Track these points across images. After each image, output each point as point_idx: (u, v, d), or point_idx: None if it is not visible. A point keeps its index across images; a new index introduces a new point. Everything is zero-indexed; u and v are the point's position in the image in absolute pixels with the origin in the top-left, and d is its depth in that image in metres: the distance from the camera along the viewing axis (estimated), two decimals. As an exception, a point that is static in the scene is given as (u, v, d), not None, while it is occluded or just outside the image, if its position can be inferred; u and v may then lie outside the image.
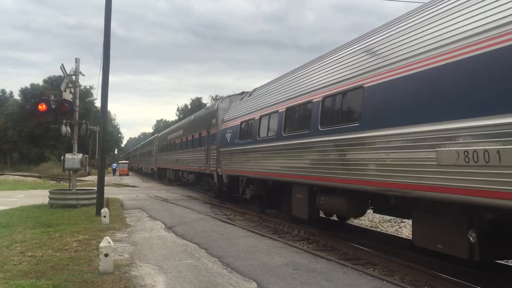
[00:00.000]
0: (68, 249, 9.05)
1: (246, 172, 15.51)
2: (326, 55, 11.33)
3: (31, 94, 72.32)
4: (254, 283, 6.72)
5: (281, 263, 8.04)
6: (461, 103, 6.02)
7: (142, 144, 67.27)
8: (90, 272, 7.17)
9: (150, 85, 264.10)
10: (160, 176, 42.68)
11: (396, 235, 12.32)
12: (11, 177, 46.62)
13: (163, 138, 40.50)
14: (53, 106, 16.33)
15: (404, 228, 13.43)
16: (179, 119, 77.03)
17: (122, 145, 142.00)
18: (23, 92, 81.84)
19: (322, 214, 12.55)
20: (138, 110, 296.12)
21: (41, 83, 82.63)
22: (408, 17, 8.05)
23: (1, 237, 10.42)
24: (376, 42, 8.62)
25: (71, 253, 8.65)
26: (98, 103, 50.06)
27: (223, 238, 10.54)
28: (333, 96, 9.70)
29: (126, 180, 46.66)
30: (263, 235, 11.13)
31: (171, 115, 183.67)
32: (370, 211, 11.80)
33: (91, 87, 76.82)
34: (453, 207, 6.53)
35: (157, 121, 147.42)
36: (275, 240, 10.54)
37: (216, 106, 21.29)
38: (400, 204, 8.00)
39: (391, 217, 15.28)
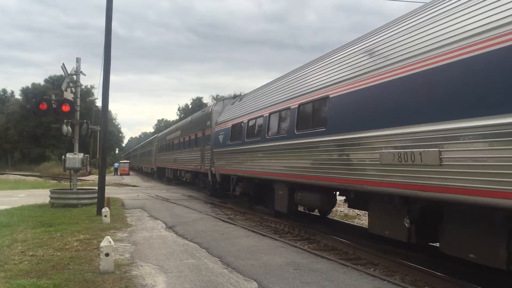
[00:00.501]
0: (69, 248, 9.06)
1: (236, 171, 16.83)
2: (302, 68, 12.80)
3: (32, 94, 72.60)
4: (255, 283, 6.72)
5: (282, 263, 8.04)
6: (394, 115, 7.43)
7: (142, 144, 68.25)
8: (91, 272, 7.18)
9: (152, 85, 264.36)
10: (160, 175, 43.49)
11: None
12: (12, 177, 46.67)
13: (162, 139, 41.62)
14: (54, 106, 16.35)
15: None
16: (180, 119, 77.64)
17: (123, 145, 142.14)
18: (24, 91, 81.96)
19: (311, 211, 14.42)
20: (139, 109, 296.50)
21: (42, 82, 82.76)
22: (359, 40, 9.73)
23: (2, 236, 10.44)
24: (338, 59, 10.07)
25: (72, 253, 8.66)
26: (99, 103, 50.03)
27: (223, 238, 10.55)
28: (307, 104, 11.08)
29: (127, 179, 46.69)
30: (263, 235, 11.14)
31: (172, 115, 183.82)
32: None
33: (92, 87, 76.96)
34: (394, 199, 7.97)
35: (158, 120, 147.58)
36: (276, 240, 10.54)
37: (210, 109, 22.77)
38: (359, 198, 9.64)
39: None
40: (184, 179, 30.84)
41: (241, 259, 8.29)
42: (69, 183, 19.77)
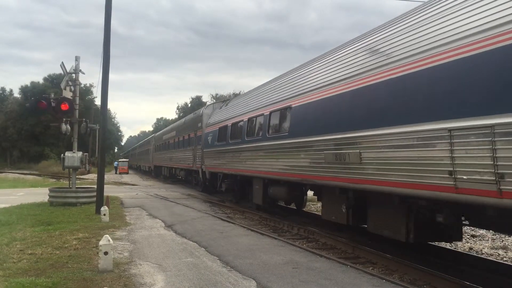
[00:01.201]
0: (68, 247, 9.06)
1: (222, 169, 18.81)
2: (273, 80, 15.37)
3: (31, 92, 72.60)
4: (254, 281, 6.72)
5: (281, 261, 8.05)
6: (333, 124, 9.45)
7: (141, 143, 69.43)
8: (90, 270, 7.18)
9: (151, 84, 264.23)
10: (157, 173, 45.00)
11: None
12: (11, 175, 46.63)
13: (159, 138, 43.21)
14: (53, 104, 16.32)
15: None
16: (179, 118, 78.06)
17: (122, 144, 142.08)
18: (23, 90, 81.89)
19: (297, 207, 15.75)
20: (139, 108, 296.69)
21: (41, 81, 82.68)
22: (314, 61, 11.92)
23: (1, 234, 10.43)
24: (299, 75, 12.31)
25: (71, 251, 8.65)
26: (98, 101, 50.03)
27: (222, 237, 10.55)
28: (276, 111, 13.00)
29: (126, 178, 46.69)
30: (262, 234, 11.14)
31: (172, 114, 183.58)
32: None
33: (91, 85, 76.93)
34: (335, 190, 9.98)
35: (157, 119, 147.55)
36: (275, 238, 10.55)
37: (201, 112, 24.79)
38: (315, 190, 12.02)
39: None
40: (179, 177, 32.21)
41: (240, 258, 8.30)
42: (68, 182, 19.76)
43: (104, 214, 12.73)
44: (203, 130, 22.73)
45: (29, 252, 8.54)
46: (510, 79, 5.38)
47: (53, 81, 75.86)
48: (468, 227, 12.89)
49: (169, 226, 12.22)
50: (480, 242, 11.21)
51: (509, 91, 5.37)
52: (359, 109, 8.48)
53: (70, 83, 17.31)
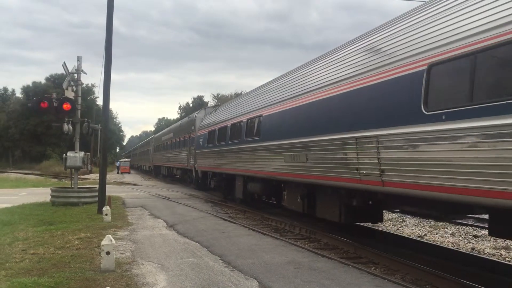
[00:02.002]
0: (70, 247, 9.07)
1: (211, 168, 21.11)
2: (250, 92, 18.73)
3: (33, 92, 72.68)
4: (256, 281, 6.73)
5: (283, 261, 8.04)
6: (290, 131, 11.74)
7: (141, 144, 71.33)
8: (92, 270, 7.19)
9: (153, 83, 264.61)
10: (156, 172, 47.09)
11: (397, 233, 12.32)
12: (13, 175, 46.71)
13: (158, 139, 45.47)
14: (55, 104, 16.35)
15: (405, 227, 13.43)
16: (181, 117, 78.28)
17: (124, 143, 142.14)
18: (25, 90, 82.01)
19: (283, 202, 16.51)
20: (140, 108, 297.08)
21: (43, 81, 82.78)
22: (280, 78, 14.51)
23: (3, 234, 10.46)
24: (268, 89, 14.92)
25: (73, 251, 8.67)
26: (100, 101, 50.09)
27: (224, 237, 10.56)
28: (251, 119, 15.30)
29: (127, 178, 46.73)
30: (264, 234, 11.14)
31: (173, 113, 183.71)
32: None
33: (93, 85, 77.01)
34: (292, 184, 12.54)
35: (159, 119, 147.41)
36: (277, 238, 10.55)
37: (194, 116, 27.08)
38: (279, 184, 14.16)
39: (392, 216, 15.32)
40: (177, 176, 34.11)
41: (241, 257, 8.30)
42: (70, 182, 19.78)
43: (106, 214, 12.74)
44: (196, 133, 24.87)
45: (32, 252, 8.56)
46: (381, 105, 7.91)
47: (55, 81, 75.97)
48: (470, 228, 12.89)
49: (171, 226, 12.23)
50: (482, 243, 11.19)
51: (382, 113, 7.85)
52: (305, 120, 10.94)
53: (72, 83, 17.34)
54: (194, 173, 25.64)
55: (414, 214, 11.61)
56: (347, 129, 8.86)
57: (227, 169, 18.13)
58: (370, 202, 9.52)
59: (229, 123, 18.02)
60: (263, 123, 13.94)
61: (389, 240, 10.73)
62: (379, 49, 8.46)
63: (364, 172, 8.25)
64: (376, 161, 7.86)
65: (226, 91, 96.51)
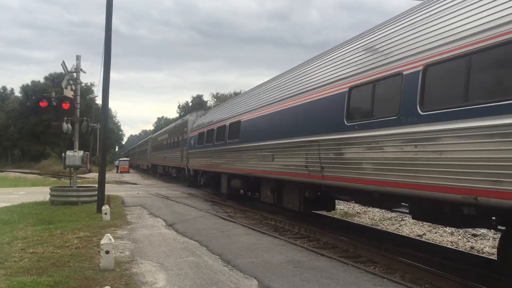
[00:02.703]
0: (69, 246, 9.07)
1: (200, 167, 23.24)
2: (232, 99, 22.62)
3: (32, 91, 72.46)
4: (255, 280, 6.73)
5: (282, 260, 8.05)
6: (262, 135, 13.64)
7: (140, 143, 72.69)
8: (91, 269, 7.18)
9: (153, 83, 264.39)
10: (153, 171, 49.07)
11: (397, 233, 12.33)
12: (12, 174, 46.65)
13: (155, 139, 47.38)
14: (54, 103, 16.33)
15: (404, 226, 13.44)
16: (180, 117, 78.67)
17: (123, 143, 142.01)
18: (24, 89, 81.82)
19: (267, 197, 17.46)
20: (140, 107, 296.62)
21: (42, 80, 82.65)
22: (257, 88, 17.11)
23: (2, 233, 10.45)
24: (246, 99, 17.36)
25: (72, 250, 8.66)
26: (99, 100, 50.08)
27: (224, 236, 10.56)
28: (232, 123, 17.33)
29: (126, 177, 46.69)
30: (263, 233, 11.14)
31: (173, 113, 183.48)
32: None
33: (92, 84, 76.89)
34: (264, 179, 14.38)
35: (158, 118, 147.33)
36: (276, 237, 10.55)
37: (186, 119, 29.68)
38: (257, 181, 15.39)
39: (391, 215, 15.34)
40: (173, 174, 36.20)
41: (241, 256, 8.30)
42: (69, 181, 19.77)
43: (105, 213, 12.74)
44: (188, 134, 27.05)
45: (31, 251, 8.55)
46: (320, 116, 10.02)
47: (54, 80, 75.82)
48: (471, 229, 12.89)
49: (170, 225, 12.23)
50: (481, 241, 11.20)
51: (321, 123, 9.92)
52: (271, 126, 13.12)
53: (71, 82, 17.32)
54: (187, 172, 27.75)
55: (348, 201, 13.96)
56: (300, 134, 10.96)
57: (214, 168, 20.12)
58: (319, 193, 11.60)
59: (215, 126, 20.09)
60: (242, 127, 16.04)
61: (388, 239, 10.73)
62: (311, 75, 11.20)
63: (311, 169, 10.42)
64: (318, 160, 10.03)
65: (226, 91, 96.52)
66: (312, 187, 11.41)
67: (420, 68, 6.95)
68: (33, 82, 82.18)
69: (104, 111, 16.21)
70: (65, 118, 17.21)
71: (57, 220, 12.61)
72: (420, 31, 7.14)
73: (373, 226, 13.44)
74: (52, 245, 9.13)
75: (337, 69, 9.65)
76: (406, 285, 6.71)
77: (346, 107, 8.96)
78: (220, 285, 6.47)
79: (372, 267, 8.16)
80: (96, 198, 15.25)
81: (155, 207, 16.52)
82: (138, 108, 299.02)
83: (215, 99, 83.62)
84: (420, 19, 7.31)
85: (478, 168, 5.80)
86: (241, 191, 18.66)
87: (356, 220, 14.83)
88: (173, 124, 39.29)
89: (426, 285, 7.11)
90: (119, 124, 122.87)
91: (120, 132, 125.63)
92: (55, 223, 12.15)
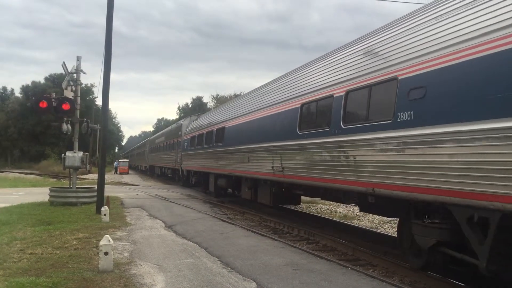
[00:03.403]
0: (68, 247, 9.06)
1: (192, 167, 25.68)
2: (219, 107, 26.00)
3: (33, 92, 72.50)
4: (254, 282, 6.72)
5: (281, 263, 8.04)
6: (240, 140, 16.06)
7: (139, 145, 74.49)
8: (90, 270, 7.17)
9: (154, 84, 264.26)
10: (151, 172, 51.35)
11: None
12: (11, 174, 46.64)
13: (153, 142, 49.59)
14: (54, 104, 16.33)
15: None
16: (180, 118, 79.07)
17: (123, 144, 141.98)
18: (24, 89, 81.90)
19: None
20: (140, 108, 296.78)
21: (42, 81, 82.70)
22: (237, 99, 23.07)
23: (1, 234, 10.44)
24: (228, 108, 20.66)
25: (71, 251, 8.65)
26: (99, 101, 50.00)
27: (223, 238, 10.55)
28: (218, 129, 19.81)
29: (126, 178, 46.68)
30: (263, 235, 11.13)
31: (173, 114, 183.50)
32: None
33: (92, 85, 76.94)
34: (241, 178, 16.66)
35: (158, 119, 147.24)
36: (275, 240, 10.54)
37: (181, 123, 32.12)
38: (238, 180, 17.62)
39: (391, 219, 15.30)
40: (170, 175, 37.71)
41: (240, 259, 8.29)
42: (68, 182, 19.76)
43: (105, 214, 12.73)
44: (182, 137, 29.34)
45: (30, 251, 8.54)
46: (281, 126, 12.47)
47: (54, 81, 75.94)
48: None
49: (169, 227, 12.22)
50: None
51: (282, 131, 12.29)
52: (247, 132, 15.55)
53: (71, 83, 17.32)
54: (180, 172, 29.99)
55: (303, 195, 14.78)
56: (268, 140, 13.26)
57: (203, 168, 22.58)
58: (283, 189, 13.92)
59: (205, 131, 22.55)
60: (226, 133, 18.40)
61: (387, 242, 10.71)
62: (276, 91, 13.94)
63: (275, 169, 12.57)
64: (280, 162, 12.26)
65: (226, 92, 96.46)
66: (277, 185, 13.75)
67: (343, 93, 9.24)
68: (33, 82, 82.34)
69: (104, 112, 16.22)
70: (65, 119, 17.22)
71: (56, 221, 12.60)
72: (343, 66, 9.65)
73: (372, 229, 13.43)
74: (51, 246, 9.12)
75: (293, 90, 12.36)
76: (405, 288, 6.71)
77: (299, 120, 11.46)
78: (219, 287, 6.46)
79: (371, 270, 8.17)
80: (95, 199, 15.24)
81: (154, 209, 16.50)
82: (138, 109, 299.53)
83: (215, 101, 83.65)
84: (342, 58, 9.92)
85: (374, 168, 7.98)
86: (225, 189, 20.49)
87: (355, 223, 14.82)
88: (169, 127, 41.74)
89: (425, 289, 7.11)
90: (119, 125, 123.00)
91: (120, 133, 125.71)
92: (54, 224, 12.13)
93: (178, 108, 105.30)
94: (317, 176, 10.19)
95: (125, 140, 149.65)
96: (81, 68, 17.51)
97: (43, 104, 16.27)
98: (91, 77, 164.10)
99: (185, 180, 28.94)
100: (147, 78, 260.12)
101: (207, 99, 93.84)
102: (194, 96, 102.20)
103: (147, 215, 14.68)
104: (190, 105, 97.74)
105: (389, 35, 8.30)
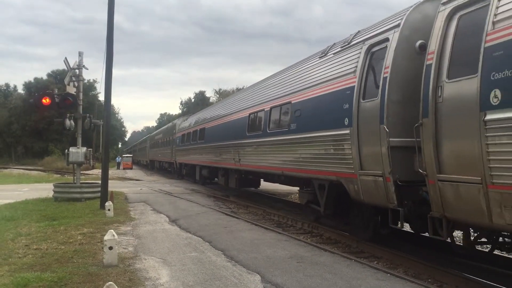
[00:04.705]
0: (73, 242, 9.10)
1: (183, 161, 30.20)
2: (202, 110, 30.21)
3: (35, 88, 72.56)
4: (258, 275, 6.73)
5: (285, 256, 8.06)
6: (216, 138, 20.62)
7: (140, 141, 77.46)
8: (95, 265, 7.21)
9: (156, 79, 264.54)
10: (152, 166, 55.48)
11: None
12: (15, 171, 46.85)
13: (152, 138, 53.69)
14: (56, 100, 16.34)
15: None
16: (183, 113, 79.79)
17: (126, 139, 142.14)
18: (27, 86, 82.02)
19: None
20: (143, 103, 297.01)
21: (45, 77, 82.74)
22: (214, 105, 31.64)
23: (6, 230, 10.49)
24: (206, 111, 26.54)
25: (76, 246, 8.69)
26: (102, 97, 50.06)
27: (227, 231, 10.57)
28: (201, 129, 24.08)
29: (130, 173, 46.78)
30: (266, 228, 11.15)
31: (175, 109, 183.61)
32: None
33: (94, 81, 76.98)
34: (221, 169, 20.73)
35: (161, 114, 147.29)
36: (279, 233, 10.55)
37: (175, 122, 37.05)
38: (215, 170, 21.99)
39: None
40: (169, 169, 40.40)
41: (244, 252, 8.31)
42: (72, 177, 19.81)
43: (109, 209, 12.76)
44: (176, 135, 33.43)
45: (35, 247, 8.59)
46: (238, 129, 17.02)
47: (57, 77, 75.88)
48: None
49: (173, 221, 12.26)
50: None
51: (239, 132, 16.84)
52: (219, 132, 20.07)
53: (73, 78, 17.32)
54: (175, 165, 34.13)
55: (254, 178, 18.72)
56: (232, 139, 17.60)
57: (191, 161, 27.28)
58: (243, 175, 18.18)
59: (192, 130, 27.08)
60: (205, 132, 22.92)
61: (391, 234, 10.71)
62: (234, 103, 19.46)
63: (235, 160, 17.05)
64: (238, 155, 16.74)
65: (229, 86, 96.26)
66: (239, 172, 18.09)
67: (269, 108, 14.03)
68: (35, 79, 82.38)
69: (107, 107, 16.22)
70: (67, 114, 17.24)
71: (61, 217, 12.64)
72: (269, 91, 14.68)
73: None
74: (55, 241, 9.16)
75: (244, 104, 17.11)
76: (409, 279, 6.71)
77: (247, 125, 16.04)
78: (224, 280, 6.48)
79: (375, 262, 8.17)
80: (99, 194, 15.28)
81: (158, 203, 16.55)
82: (141, 104, 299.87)
83: (218, 95, 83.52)
84: (269, 85, 14.97)
85: (283, 158, 12.53)
86: (207, 177, 24.81)
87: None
88: (166, 126, 47.99)
89: (429, 280, 7.11)
90: (122, 120, 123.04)
91: (123, 129, 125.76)
92: (58, 219, 12.18)
93: (181, 103, 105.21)
94: (258, 164, 14.89)
95: (128, 136, 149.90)
96: (83, 64, 17.51)
97: (46, 100, 16.28)
98: (94, 72, 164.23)
99: (179, 172, 33.23)
100: (150, 74, 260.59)
101: (210, 94, 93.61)
102: (197, 91, 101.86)
103: (151, 210, 14.72)
104: (193, 100, 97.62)
105: (290, 75, 13.09)
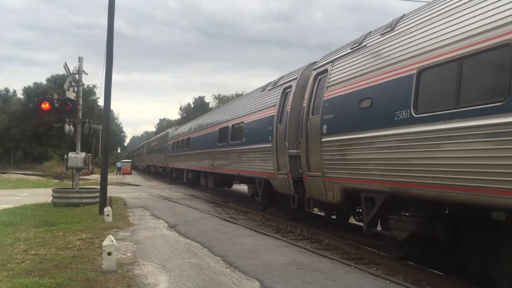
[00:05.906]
0: (71, 247, 9.07)
1: (174, 165, 33.74)
2: (190, 121, 35.83)
3: (35, 93, 72.73)
4: (257, 282, 6.72)
5: (284, 262, 8.04)
6: (197, 146, 24.84)
7: (138, 147, 79.39)
8: (93, 271, 7.18)
9: (156, 84, 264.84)
10: (148, 171, 58.64)
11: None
12: (14, 176, 46.78)
13: (149, 144, 57.06)
14: (56, 105, 16.35)
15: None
16: (182, 118, 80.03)
17: (125, 144, 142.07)
18: (27, 91, 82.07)
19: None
20: (143, 108, 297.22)
21: (44, 82, 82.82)
22: (201, 116, 33.31)
23: (4, 235, 10.46)
24: (192, 124, 30.79)
25: (74, 252, 8.67)
26: (101, 102, 50.16)
27: (226, 237, 10.55)
28: (188, 138, 27.97)
29: (128, 179, 46.70)
30: (266, 234, 11.13)
31: (175, 114, 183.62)
32: None
33: (94, 86, 77.05)
34: (202, 173, 24.59)
35: (160, 120, 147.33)
36: (278, 239, 10.53)
37: (168, 131, 41.26)
38: (198, 173, 25.41)
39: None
40: (163, 174, 43.49)
41: (243, 258, 8.29)
42: (71, 182, 19.79)
43: (108, 215, 12.74)
44: (168, 142, 36.80)
45: (33, 252, 8.56)
46: (211, 139, 21.29)
47: (56, 82, 75.99)
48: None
49: (172, 227, 12.23)
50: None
51: (212, 141, 21.22)
52: (201, 141, 23.47)
53: (73, 83, 17.34)
54: (168, 170, 37.44)
55: (225, 180, 21.86)
56: (208, 147, 21.32)
57: (180, 166, 31.02)
58: (217, 177, 21.56)
59: (180, 139, 31.11)
60: (190, 141, 26.81)
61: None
62: (211, 117, 23.97)
63: (211, 164, 20.59)
64: (212, 160, 20.32)
65: (228, 92, 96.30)
66: (214, 175, 21.63)
67: (230, 125, 18.09)
68: (35, 84, 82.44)
69: (106, 112, 16.23)
70: (67, 119, 17.24)
71: (59, 222, 12.62)
72: (231, 112, 19.22)
73: (374, 230, 13.38)
74: (54, 246, 9.14)
75: (215, 119, 21.77)
76: (409, 286, 6.69)
77: (218, 137, 19.78)
78: (223, 286, 6.46)
79: (374, 268, 8.14)
80: (98, 199, 15.26)
81: (157, 209, 16.52)
82: (140, 109, 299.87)
83: (217, 101, 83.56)
84: (231, 107, 20.10)
85: (238, 163, 16.61)
86: (193, 180, 27.50)
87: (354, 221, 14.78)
88: (160, 134, 52.22)
89: (429, 287, 7.09)
90: (121, 125, 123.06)
91: (122, 134, 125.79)
92: (57, 224, 12.16)
93: (180, 108, 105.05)
94: (226, 168, 18.56)
95: (127, 141, 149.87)
96: (83, 69, 17.53)
97: (45, 105, 16.28)
98: (94, 78, 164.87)
99: (171, 176, 36.39)
100: (150, 79, 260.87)
101: (209, 99, 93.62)
102: (196, 96, 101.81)
103: (150, 215, 14.69)
104: (192, 105, 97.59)
105: (244, 101, 17.97)
